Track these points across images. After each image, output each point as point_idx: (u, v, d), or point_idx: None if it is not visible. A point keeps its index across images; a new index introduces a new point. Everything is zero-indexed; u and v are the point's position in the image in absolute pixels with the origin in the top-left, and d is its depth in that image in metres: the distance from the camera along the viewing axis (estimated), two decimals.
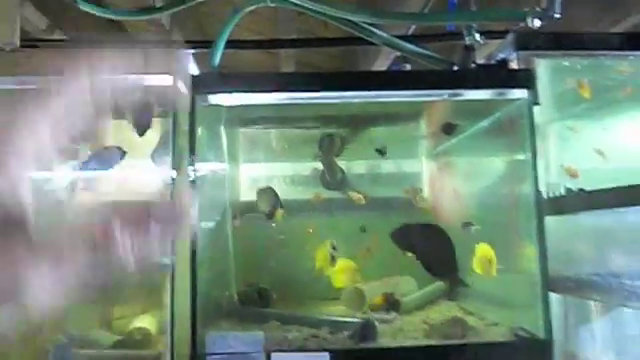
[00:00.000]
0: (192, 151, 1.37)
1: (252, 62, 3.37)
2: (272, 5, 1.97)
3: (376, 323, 1.53)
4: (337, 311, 1.89)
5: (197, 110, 1.39)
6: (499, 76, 1.50)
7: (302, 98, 1.52)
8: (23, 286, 0.62)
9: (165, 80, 1.31)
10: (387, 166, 2.45)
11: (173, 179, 1.31)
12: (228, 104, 1.48)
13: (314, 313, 1.72)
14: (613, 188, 1.19)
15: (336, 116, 2.29)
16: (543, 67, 1.62)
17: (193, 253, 1.35)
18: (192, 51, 2.42)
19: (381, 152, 2.07)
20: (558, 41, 1.55)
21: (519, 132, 1.48)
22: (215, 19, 3.03)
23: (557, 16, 1.45)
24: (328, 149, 2.34)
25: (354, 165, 2.45)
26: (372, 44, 2.02)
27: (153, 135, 1.56)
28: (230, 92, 1.41)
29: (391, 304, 1.88)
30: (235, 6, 2.04)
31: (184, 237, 1.34)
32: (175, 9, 2.18)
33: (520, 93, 1.49)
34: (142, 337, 1.65)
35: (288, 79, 1.46)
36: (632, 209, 1.15)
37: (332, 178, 2.38)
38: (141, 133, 1.44)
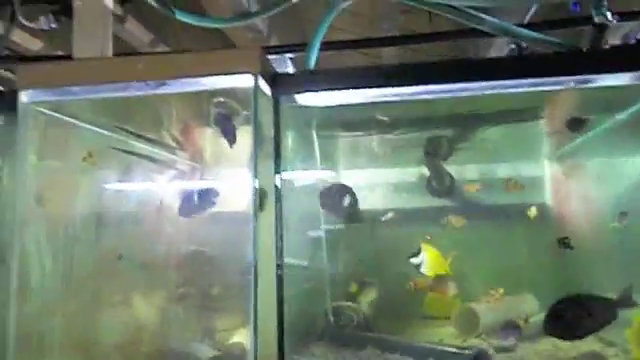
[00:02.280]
0: (277, 157, 1.24)
1: (349, 65, 3.23)
2: None
3: (491, 352, 1.31)
4: (446, 335, 1.69)
5: (282, 112, 1.26)
6: (638, 57, 1.21)
7: (400, 94, 1.33)
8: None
9: (246, 81, 1.20)
10: (503, 170, 2.20)
11: (255, 189, 1.19)
12: (318, 104, 1.33)
13: (420, 338, 1.53)
14: None
15: (443, 116, 2.08)
16: None
17: (279, 266, 1.22)
18: (291, 55, 2.35)
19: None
20: None
21: None
22: (315, 22, 2.94)
23: None
24: (434, 152, 2.14)
25: (466, 170, 2.23)
26: (483, 35, 1.80)
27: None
28: (316, 91, 1.27)
29: (510, 328, 1.63)
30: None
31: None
32: (270, 13, 2.11)
33: None
34: (240, 353, 1.56)
35: (382, 72, 1.28)
36: None
37: (440, 184, 2.17)
38: (230, 143, 1.35)
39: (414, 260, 1.57)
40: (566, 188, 1.94)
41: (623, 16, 1.50)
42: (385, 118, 1.73)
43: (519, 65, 1.36)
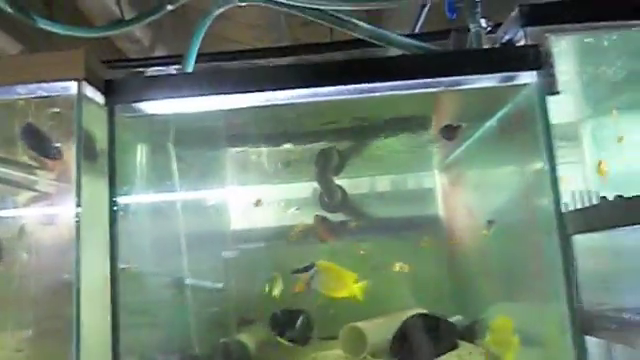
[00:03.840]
0: (112, 174, 1.09)
1: None
2: (242, 4, 1.73)
3: None
4: (334, 357, 1.59)
5: (120, 123, 1.12)
6: (499, 56, 1.17)
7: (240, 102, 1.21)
8: None
9: (69, 87, 1.05)
10: (396, 183, 2.15)
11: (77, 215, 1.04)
12: (163, 113, 1.19)
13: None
14: None
15: (331, 129, 1.99)
16: (563, 46, 1.30)
17: (114, 301, 1.07)
18: (175, 67, 2.21)
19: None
20: (575, 11, 1.21)
21: (531, 128, 1.15)
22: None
23: None
24: (324, 166, 2.06)
25: (358, 183, 2.17)
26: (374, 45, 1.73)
27: None
28: (155, 99, 1.13)
29: (396, 347, 1.55)
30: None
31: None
32: (143, 22, 1.97)
33: (528, 77, 1.15)
34: None
35: (235, 76, 1.16)
36: None
37: (331, 199, 2.09)
38: (49, 157, 1.18)
39: (300, 275, 1.46)
40: (453, 199, 1.90)
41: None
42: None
43: (385, 65, 1.28)
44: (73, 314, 1.02)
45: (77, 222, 1.03)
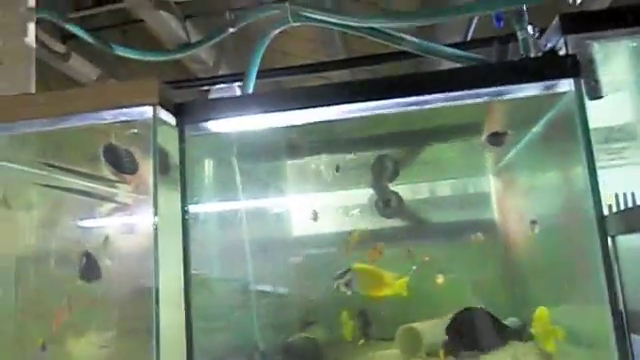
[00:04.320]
0: (183, 187, 1.23)
1: None
2: (296, 25, 1.85)
3: None
4: (391, 357, 1.66)
5: (189, 141, 1.26)
6: (538, 66, 1.22)
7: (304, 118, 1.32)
8: None
9: (146, 111, 1.20)
10: (450, 188, 2.20)
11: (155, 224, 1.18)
12: (230, 131, 1.33)
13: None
14: None
15: (386, 136, 2.08)
16: (605, 52, 1.33)
17: (187, 304, 1.20)
18: (239, 83, 2.37)
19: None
20: (614, 18, 1.25)
21: (572, 132, 1.19)
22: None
23: None
24: (379, 173, 2.14)
25: (412, 189, 2.23)
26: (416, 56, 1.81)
27: None
28: (220, 118, 1.26)
29: (450, 348, 1.61)
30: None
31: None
32: (208, 44, 2.14)
33: (567, 85, 1.20)
34: None
35: (289, 95, 1.28)
36: None
37: (386, 205, 2.17)
38: (128, 172, 1.34)
39: (340, 281, 1.55)
40: (506, 202, 1.94)
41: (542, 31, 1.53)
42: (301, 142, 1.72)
43: (431, 79, 1.36)
44: (152, 314, 1.15)
45: (155, 230, 1.16)
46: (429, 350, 1.65)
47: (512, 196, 1.85)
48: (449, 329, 1.47)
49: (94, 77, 2.50)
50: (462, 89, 1.31)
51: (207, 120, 1.25)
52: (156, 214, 1.17)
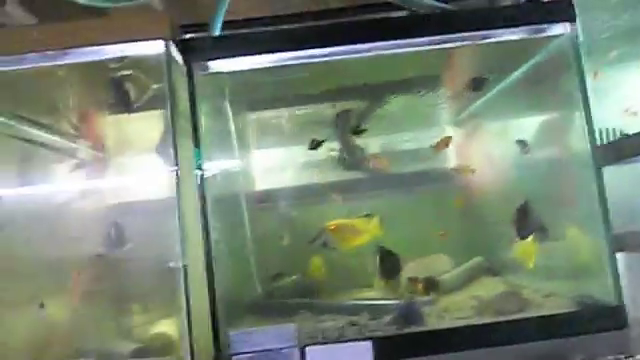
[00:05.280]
0: (196, 136, 1.19)
1: None
2: None
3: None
4: (370, 297, 1.73)
5: (196, 81, 1.22)
6: (533, 11, 1.30)
7: (308, 57, 1.31)
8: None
9: (156, 47, 1.14)
10: (409, 139, 2.27)
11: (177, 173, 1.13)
12: (231, 70, 1.29)
13: (348, 300, 1.56)
14: None
15: (350, 87, 2.10)
16: None
17: (208, 250, 1.18)
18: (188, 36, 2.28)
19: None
20: None
21: (565, 75, 1.29)
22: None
23: None
24: (344, 126, 2.18)
25: (374, 141, 2.28)
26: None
27: (157, 125, 1.39)
28: (230, 57, 1.23)
29: (429, 285, 1.70)
30: None
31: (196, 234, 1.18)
32: None
33: (561, 28, 1.29)
34: (163, 343, 1.50)
35: (292, 34, 1.27)
36: None
37: (351, 157, 2.22)
38: (129, 110, 1.27)
39: (317, 242, 1.59)
40: (468, 150, 2.05)
41: None
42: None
43: (421, 23, 1.40)
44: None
45: (177, 179, 1.12)
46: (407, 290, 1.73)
47: (479, 142, 1.95)
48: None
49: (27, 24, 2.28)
50: (454, 32, 1.36)
51: (217, 59, 1.22)
52: (177, 164, 1.12)
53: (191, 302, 1.16)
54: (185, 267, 1.11)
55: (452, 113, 2.13)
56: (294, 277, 1.82)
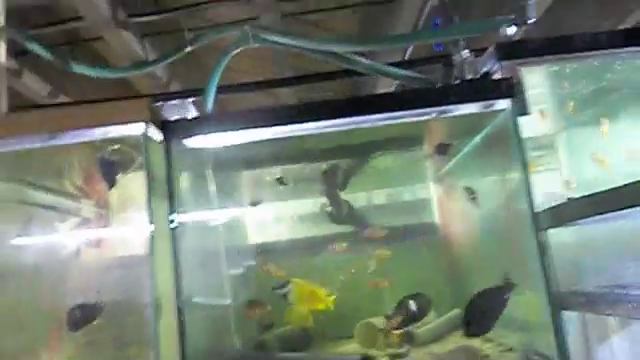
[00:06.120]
0: (171, 199, 1.34)
1: (253, 105, 3.40)
2: (255, 46, 1.99)
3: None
4: (350, 349, 1.81)
5: (174, 155, 1.37)
6: (479, 88, 1.44)
7: (281, 132, 1.47)
8: None
9: (136, 129, 1.30)
10: (397, 194, 2.39)
11: (151, 231, 1.28)
12: (209, 146, 1.45)
13: (322, 354, 1.65)
14: (608, 190, 1.10)
15: (331, 149, 2.25)
16: (533, 75, 1.58)
17: (179, 304, 1.31)
18: (192, 99, 2.46)
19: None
20: (542, 47, 1.49)
21: (507, 144, 1.42)
22: None
23: (531, 20, 1.40)
24: (331, 182, 2.31)
25: (361, 197, 2.40)
26: (363, 74, 2.01)
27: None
28: (203, 134, 1.39)
29: (406, 337, 1.79)
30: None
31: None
32: (165, 61, 2.23)
33: (504, 104, 1.43)
34: None
35: (265, 113, 1.43)
36: (631, 213, 1.06)
37: (338, 212, 2.34)
38: (109, 186, 1.43)
39: (278, 291, 1.72)
40: (447, 206, 2.16)
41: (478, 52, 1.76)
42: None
43: (386, 101, 1.55)
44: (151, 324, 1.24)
45: (151, 237, 1.26)
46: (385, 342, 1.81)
47: (453, 200, 2.07)
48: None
49: (44, 93, 2.51)
50: (412, 109, 1.50)
51: (193, 136, 1.37)
52: (152, 222, 1.27)
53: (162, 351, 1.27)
54: (156, 317, 1.23)
55: (433, 171, 2.26)
56: (285, 328, 1.93)
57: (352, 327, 1.88)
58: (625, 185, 1.01)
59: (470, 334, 1.43)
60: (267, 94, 3.26)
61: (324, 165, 2.28)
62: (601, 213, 1.15)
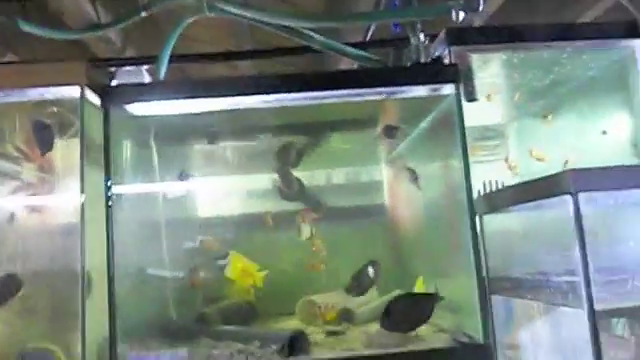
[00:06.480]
0: (107, 167, 1.31)
1: (211, 75, 3.34)
2: (210, 15, 1.95)
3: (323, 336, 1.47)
4: (290, 325, 1.83)
5: (114, 122, 1.34)
6: (427, 72, 1.45)
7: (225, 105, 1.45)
8: None
9: (72, 91, 1.26)
10: (347, 175, 2.40)
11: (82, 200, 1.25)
12: (152, 114, 1.42)
13: (259, 328, 1.66)
14: (532, 180, 1.14)
15: (287, 125, 2.24)
16: (484, 62, 1.60)
17: (110, 273, 1.29)
18: (146, 67, 2.40)
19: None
20: (491, 35, 1.50)
21: (452, 129, 1.43)
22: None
23: (481, 8, 1.41)
24: (283, 159, 2.30)
25: (314, 175, 2.40)
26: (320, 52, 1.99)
27: None
28: (145, 101, 1.35)
29: (345, 315, 1.81)
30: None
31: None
32: (118, 25, 2.16)
33: (449, 88, 1.44)
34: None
35: (209, 84, 1.40)
36: (553, 202, 1.09)
37: (289, 189, 2.33)
38: (42, 151, 1.39)
39: (220, 262, 1.72)
40: (396, 188, 2.18)
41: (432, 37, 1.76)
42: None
43: (336, 78, 1.55)
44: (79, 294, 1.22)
45: (82, 206, 1.24)
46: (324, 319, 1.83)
47: (400, 183, 2.09)
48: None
49: None
50: (361, 87, 1.50)
51: (133, 102, 1.34)
52: (82, 192, 1.24)
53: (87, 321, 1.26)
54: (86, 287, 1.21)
55: (385, 154, 2.27)
56: (227, 302, 1.93)
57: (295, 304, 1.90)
58: (544, 177, 1.05)
59: (384, 327, 1.46)
60: (228, 66, 3.20)
61: (276, 141, 2.27)
62: (523, 202, 1.19)
